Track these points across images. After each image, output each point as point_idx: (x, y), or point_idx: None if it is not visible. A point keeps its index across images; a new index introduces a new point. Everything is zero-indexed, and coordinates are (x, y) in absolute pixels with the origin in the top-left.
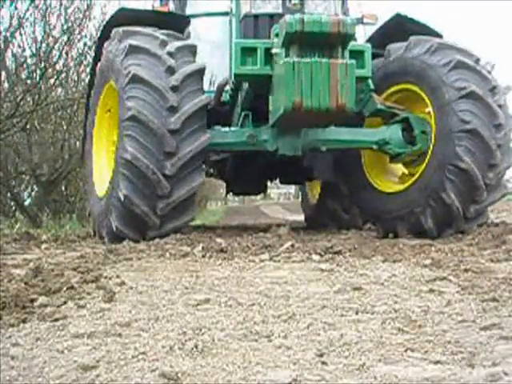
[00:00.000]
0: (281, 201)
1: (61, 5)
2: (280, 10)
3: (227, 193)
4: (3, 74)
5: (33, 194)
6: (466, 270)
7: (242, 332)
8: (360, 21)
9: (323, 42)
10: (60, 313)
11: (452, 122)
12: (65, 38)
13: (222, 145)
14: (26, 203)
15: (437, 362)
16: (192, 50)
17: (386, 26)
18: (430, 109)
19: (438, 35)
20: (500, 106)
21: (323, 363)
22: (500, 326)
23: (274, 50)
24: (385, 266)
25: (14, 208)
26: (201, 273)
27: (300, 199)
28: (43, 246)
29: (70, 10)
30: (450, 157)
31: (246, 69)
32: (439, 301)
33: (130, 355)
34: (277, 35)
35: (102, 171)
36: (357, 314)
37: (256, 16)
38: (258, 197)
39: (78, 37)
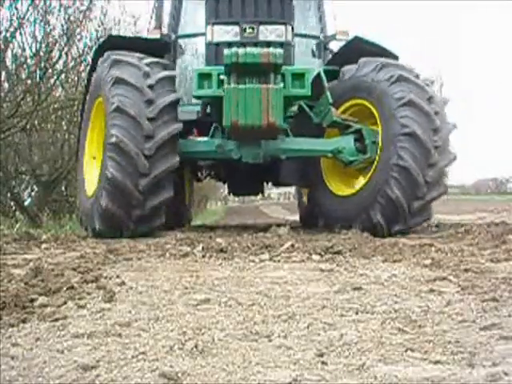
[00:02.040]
0: (281, 201)
1: (61, 5)
2: (238, 39)
3: (229, 193)
4: (3, 74)
5: (33, 194)
6: (466, 270)
7: (241, 332)
8: (333, 37)
9: (256, 70)
10: (60, 313)
11: (394, 127)
12: (65, 38)
13: (195, 153)
14: (26, 203)
15: (437, 362)
16: (171, 81)
17: (345, 48)
18: (377, 119)
19: (393, 55)
20: (436, 113)
21: (323, 363)
22: (500, 326)
23: (221, 77)
24: (385, 266)
25: (14, 208)
26: (201, 273)
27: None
28: (43, 246)
29: (70, 11)
30: (393, 157)
31: (203, 91)
32: (439, 301)
33: (130, 355)
34: None
35: (92, 173)
36: (357, 313)
37: (217, 44)
38: (258, 197)
39: (78, 37)
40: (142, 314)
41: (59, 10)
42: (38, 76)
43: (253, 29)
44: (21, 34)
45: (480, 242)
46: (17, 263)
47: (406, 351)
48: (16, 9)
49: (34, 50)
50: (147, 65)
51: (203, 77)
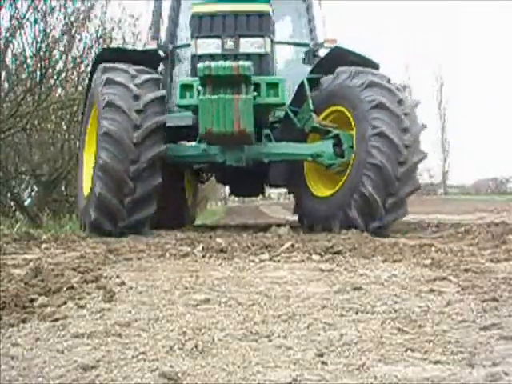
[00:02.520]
0: (281, 201)
1: (61, 6)
2: (219, 51)
3: (230, 194)
4: (3, 74)
5: (33, 194)
6: (466, 270)
7: (241, 332)
8: (322, 45)
9: (228, 81)
10: (60, 313)
11: (366, 129)
12: (65, 38)
13: (183, 157)
14: (26, 203)
15: (437, 362)
16: (156, 82)
17: (327, 57)
18: (352, 122)
19: (374, 63)
20: (406, 114)
21: (323, 363)
22: (500, 326)
23: (198, 88)
24: (385, 266)
25: (14, 208)
26: (201, 273)
27: None
28: (43, 245)
29: (70, 11)
30: (365, 156)
31: (184, 101)
32: (439, 301)
33: (130, 355)
34: None
35: (88, 174)
36: (357, 313)
37: (200, 56)
38: (258, 197)
39: (78, 37)
40: (142, 314)
41: (59, 10)
42: (38, 76)
43: (233, 42)
44: (21, 34)
45: (480, 242)
46: (17, 263)
47: (406, 351)
48: (16, 9)
49: (34, 50)
50: (135, 70)
51: (185, 87)
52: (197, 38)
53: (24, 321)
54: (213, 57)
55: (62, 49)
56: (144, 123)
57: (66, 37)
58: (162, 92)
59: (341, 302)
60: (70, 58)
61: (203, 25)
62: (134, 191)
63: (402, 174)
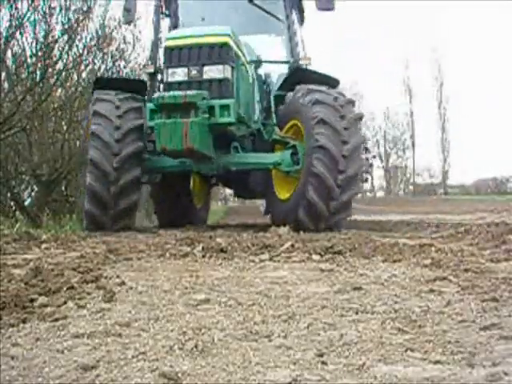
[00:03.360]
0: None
1: (60, 5)
2: (186, 79)
3: (234, 196)
4: (3, 74)
5: (33, 194)
6: (466, 270)
7: (242, 332)
8: (298, 63)
9: (178, 108)
10: (60, 313)
11: (311, 142)
12: (65, 37)
13: (163, 167)
14: (26, 203)
15: (437, 362)
16: (137, 111)
17: (291, 76)
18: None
19: (334, 79)
20: (346, 129)
21: (323, 363)
22: (500, 326)
23: (158, 114)
24: (385, 266)
25: (14, 208)
26: (201, 273)
27: None
28: (43, 245)
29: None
30: (309, 166)
31: (152, 122)
32: (439, 301)
33: (130, 355)
34: None
35: None
36: (357, 313)
37: (170, 83)
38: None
39: (78, 37)
40: (142, 314)
41: (60, 10)
42: (38, 76)
43: (197, 70)
44: (21, 33)
45: (480, 242)
46: (17, 263)
47: (405, 351)
48: (16, 8)
49: (33, 50)
50: (119, 100)
51: (153, 111)
52: (167, 67)
53: (24, 321)
54: (180, 83)
55: (61, 48)
56: (122, 150)
57: (65, 36)
58: (141, 121)
59: (341, 301)
60: (70, 57)
61: (173, 56)
62: (118, 180)
63: (341, 181)
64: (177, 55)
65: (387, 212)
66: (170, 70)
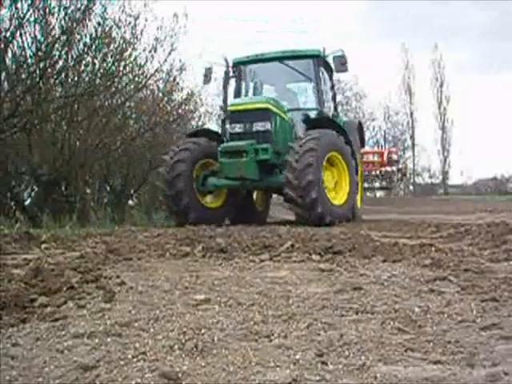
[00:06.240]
0: (281, 201)
1: (60, 5)
2: (242, 130)
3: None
4: (3, 74)
5: (33, 194)
6: (465, 270)
7: (241, 332)
8: (322, 110)
9: (235, 152)
10: (60, 313)
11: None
12: (65, 37)
13: (220, 186)
14: (26, 203)
15: (437, 362)
16: (185, 154)
17: (313, 119)
18: None
19: (341, 127)
20: (301, 168)
21: (323, 363)
22: (500, 326)
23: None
24: (385, 266)
25: (14, 208)
26: (201, 273)
27: None
28: (43, 246)
29: (69, 10)
30: None
31: (221, 159)
32: (439, 301)
33: (130, 355)
34: None
35: None
36: (357, 314)
37: (231, 133)
38: None
39: (78, 37)
40: (142, 314)
41: (59, 10)
42: (37, 76)
43: (249, 125)
44: (21, 33)
45: (480, 242)
46: (17, 263)
47: (405, 351)
48: (16, 8)
49: (34, 50)
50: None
51: (221, 153)
52: (230, 123)
53: (24, 321)
54: (239, 134)
55: (61, 47)
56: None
57: (65, 36)
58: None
59: (341, 301)
60: (70, 56)
61: (234, 116)
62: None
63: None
64: (236, 116)
65: (387, 212)
66: (233, 125)
